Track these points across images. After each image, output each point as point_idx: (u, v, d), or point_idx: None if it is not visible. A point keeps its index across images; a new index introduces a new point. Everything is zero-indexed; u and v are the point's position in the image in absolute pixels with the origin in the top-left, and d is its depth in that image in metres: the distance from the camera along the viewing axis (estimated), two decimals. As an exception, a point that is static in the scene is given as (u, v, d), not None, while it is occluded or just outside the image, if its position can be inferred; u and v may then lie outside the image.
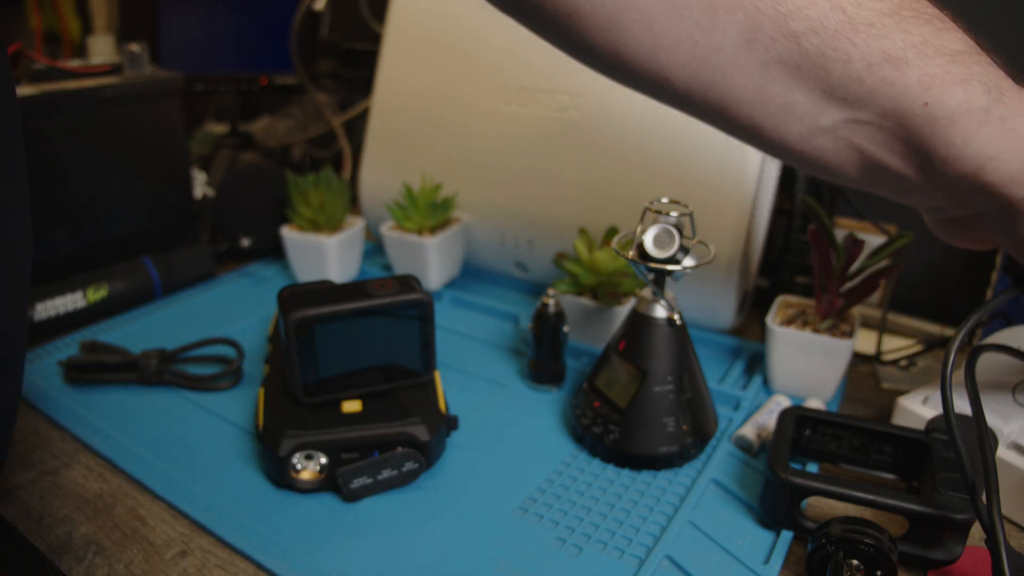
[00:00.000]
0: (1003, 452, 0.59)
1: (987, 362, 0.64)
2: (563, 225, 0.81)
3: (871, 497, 0.51)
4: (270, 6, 1.22)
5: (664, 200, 0.58)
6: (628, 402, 0.59)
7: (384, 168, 0.93)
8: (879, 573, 0.48)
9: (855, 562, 0.48)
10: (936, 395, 0.65)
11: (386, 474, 0.56)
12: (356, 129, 1.23)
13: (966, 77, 0.41)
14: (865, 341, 0.80)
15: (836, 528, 0.49)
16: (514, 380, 0.72)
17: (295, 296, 0.57)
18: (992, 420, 0.61)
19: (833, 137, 0.44)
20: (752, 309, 0.86)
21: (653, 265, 0.56)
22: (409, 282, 0.59)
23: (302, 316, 0.55)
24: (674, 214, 0.56)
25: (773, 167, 0.77)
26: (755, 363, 0.76)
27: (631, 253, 0.57)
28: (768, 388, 0.71)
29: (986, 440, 0.49)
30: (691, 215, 0.57)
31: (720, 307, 0.77)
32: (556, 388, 0.70)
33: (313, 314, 0.56)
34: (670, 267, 0.56)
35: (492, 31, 0.85)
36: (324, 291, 0.58)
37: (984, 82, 0.41)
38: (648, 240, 0.56)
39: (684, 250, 0.57)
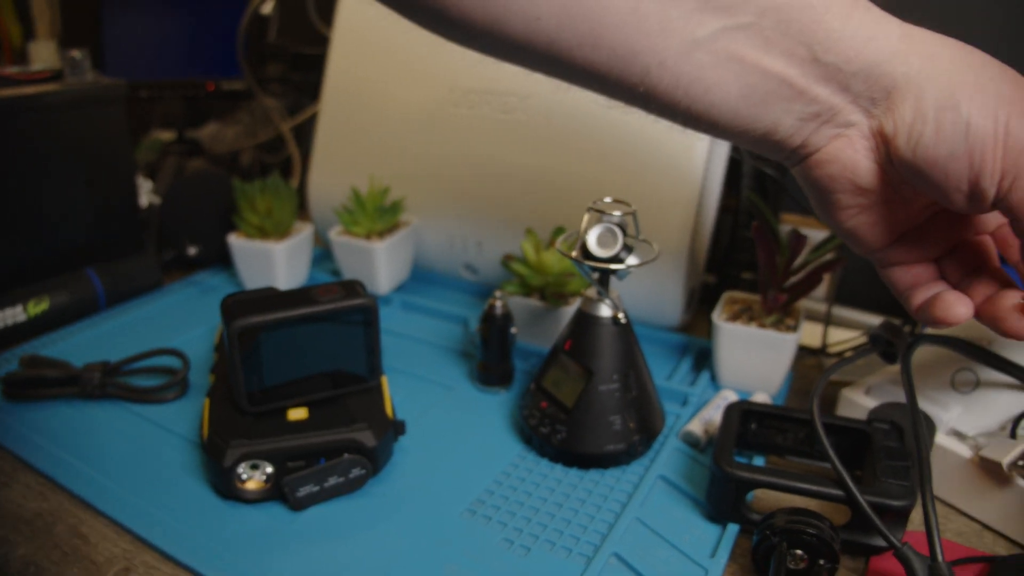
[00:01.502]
0: (942, 439, 0.60)
1: (928, 352, 0.66)
2: (512, 226, 0.81)
3: (812, 488, 0.52)
4: (216, 10, 1.21)
5: (607, 200, 0.58)
6: (574, 402, 0.59)
7: (332, 172, 0.92)
8: (822, 562, 0.49)
9: (799, 552, 0.49)
10: (878, 385, 0.66)
11: (333, 481, 0.56)
12: (306, 134, 1.22)
13: None
14: (811, 334, 0.81)
15: (780, 519, 0.49)
16: (463, 382, 0.72)
17: (238, 304, 0.57)
18: (930, 408, 0.62)
19: (711, 50, 0.44)
20: (701, 306, 0.87)
21: (596, 264, 0.56)
22: (354, 287, 0.59)
23: (245, 324, 0.55)
24: (617, 213, 0.56)
25: (719, 165, 0.77)
26: (703, 359, 0.77)
27: (574, 253, 0.58)
28: (716, 383, 0.72)
29: (921, 428, 0.50)
30: (634, 214, 0.57)
31: (668, 304, 0.77)
32: (505, 389, 0.70)
33: (256, 322, 0.55)
34: (613, 266, 0.56)
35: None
36: (268, 298, 0.58)
37: None
38: (591, 240, 0.56)
39: (628, 249, 0.57)
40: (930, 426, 0.59)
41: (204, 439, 0.57)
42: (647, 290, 0.76)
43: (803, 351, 0.80)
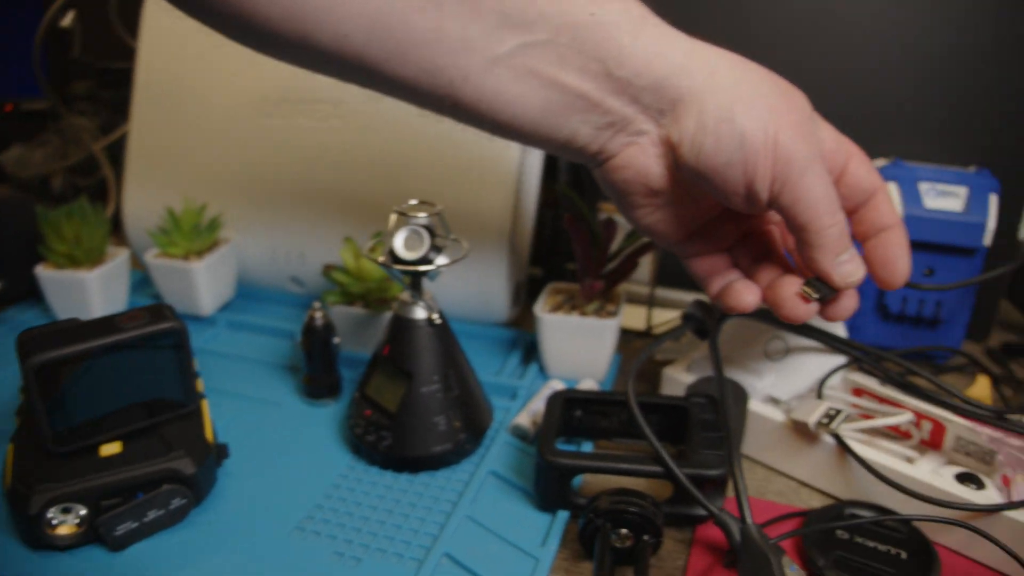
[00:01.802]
0: (758, 405, 0.62)
1: (742, 325, 0.68)
2: (333, 235, 0.80)
3: (633, 467, 0.53)
4: (9, 26, 1.14)
5: (412, 202, 0.58)
6: (397, 407, 0.59)
7: (147, 192, 0.89)
8: (647, 537, 0.50)
9: (623, 531, 0.50)
10: (698, 361, 0.69)
11: (152, 515, 0.54)
12: (121, 154, 1.17)
13: None
14: (638, 317, 0.83)
15: (603, 502, 0.51)
16: (291, 398, 0.71)
17: (35, 339, 0.54)
18: (746, 378, 0.65)
19: (511, 66, 0.46)
20: (529, 299, 0.88)
21: (405, 267, 0.56)
22: (161, 311, 0.57)
23: (42, 360, 0.52)
24: (422, 215, 0.56)
25: (535, 160, 0.78)
26: (532, 352, 0.78)
27: (382, 258, 0.57)
28: (544, 374, 0.73)
29: (726, 400, 0.52)
30: (440, 214, 0.57)
31: (494, 300, 0.78)
32: (334, 401, 0.69)
33: (54, 356, 0.52)
34: (422, 268, 0.56)
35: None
36: (68, 330, 0.55)
37: (634, 2, 0.47)
38: (397, 243, 0.56)
39: (437, 249, 0.57)
40: (742, 395, 0.61)
41: (7, 487, 0.54)
42: (472, 288, 0.77)
43: (630, 334, 0.82)
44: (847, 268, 0.52)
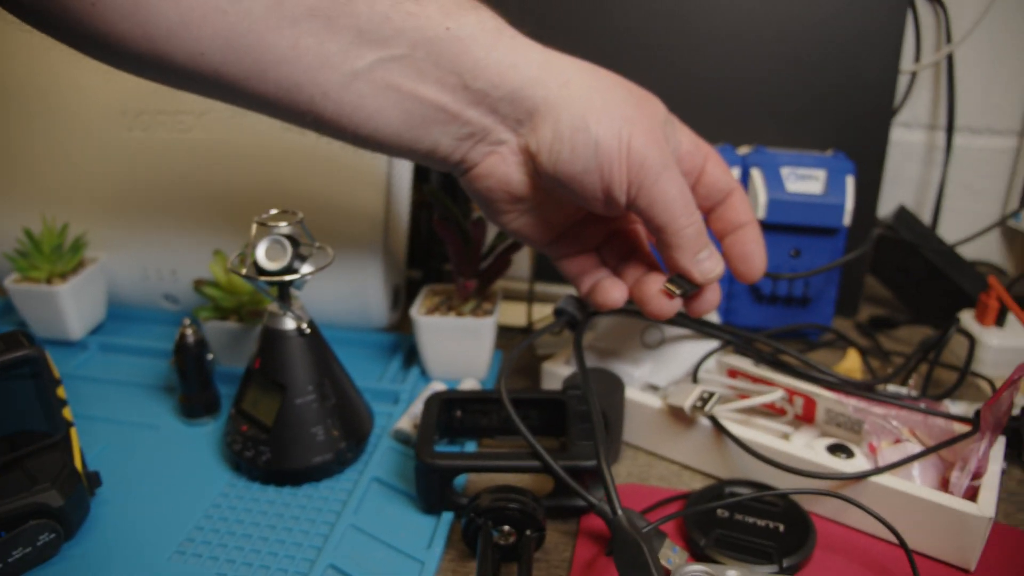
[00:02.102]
0: (636, 393, 0.63)
1: (617, 317, 0.69)
2: (205, 249, 0.77)
3: (512, 463, 0.54)
4: None
5: (273, 212, 0.57)
6: (273, 420, 0.58)
7: (2, 213, 0.85)
8: (529, 532, 0.50)
9: (505, 527, 0.51)
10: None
11: (18, 554, 0.51)
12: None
13: (475, 7, 0.48)
14: (519, 313, 0.84)
15: (484, 500, 0.51)
16: (167, 419, 0.68)
17: None
18: (624, 367, 0.66)
19: (370, 81, 0.47)
20: (409, 302, 0.87)
21: (268, 278, 0.55)
22: (15, 338, 0.54)
23: None
24: (283, 224, 0.55)
25: (404, 163, 0.78)
26: (413, 356, 0.77)
27: (244, 271, 0.56)
28: (426, 377, 0.73)
29: (590, 393, 0.54)
30: (302, 222, 0.56)
31: (372, 306, 0.77)
32: (212, 419, 0.67)
33: None
34: (287, 278, 0.55)
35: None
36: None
37: (489, 15, 0.49)
38: (260, 254, 0.55)
39: (301, 258, 0.56)
40: (618, 384, 0.62)
41: None
42: (349, 294, 0.76)
43: (513, 331, 0.82)
44: (706, 265, 0.55)
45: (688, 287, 0.56)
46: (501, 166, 0.52)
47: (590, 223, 0.59)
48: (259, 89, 0.46)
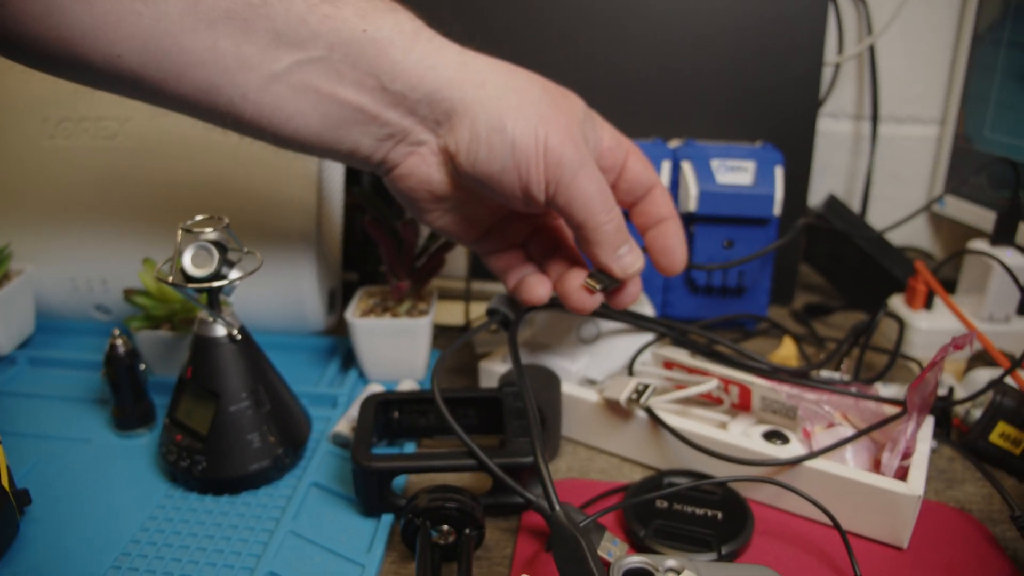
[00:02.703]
0: (573, 388, 0.64)
1: (553, 313, 0.70)
2: (134, 258, 0.76)
3: (448, 463, 0.53)
4: None
5: (198, 218, 0.56)
6: (207, 428, 0.57)
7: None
8: (468, 531, 0.50)
9: (444, 527, 0.50)
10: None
11: (-58, 576, 0.50)
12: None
13: (392, 9, 0.48)
14: (456, 312, 0.84)
15: (421, 500, 0.50)
16: (101, 432, 0.67)
17: None
18: (561, 362, 0.66)
19: (289, 83, 0.47)
20: (347, 305, 0.87)
21: (196, 285, 0.54)
22: (-65, 355, 0.53)
23: None
24: (209, 230, 0.55)
25: (337, 165, 0.77)
26: (351, 359, 0.77)
27: (171, 278, 0.55)
28: (364, 380, 0.72)
29: (526, 390, 0.54)
30: (228, 227, 0.56)
31: (308, 310, 0.76)
32: (148, 430, 0.66)
33: None
34: (215, 284, 0.54)
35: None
36: None
37: (407, 17, 0.49)
38: (186, 261, 0.54)
39: (229, 263, 0.55)
40: (554, 379, 0.62)
41: None
42: (284, 298, 0.75)
43: (451, 330, 0.82)
44: (626, 260, 0.56)
45: (609, 282, 0.57)
46: (422, 166, 0.53)
47: (514, 220, 0.60)
48: (178, 91, 0.46)
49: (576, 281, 0.57)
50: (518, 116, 0.50)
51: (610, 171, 0.58)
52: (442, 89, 0.50)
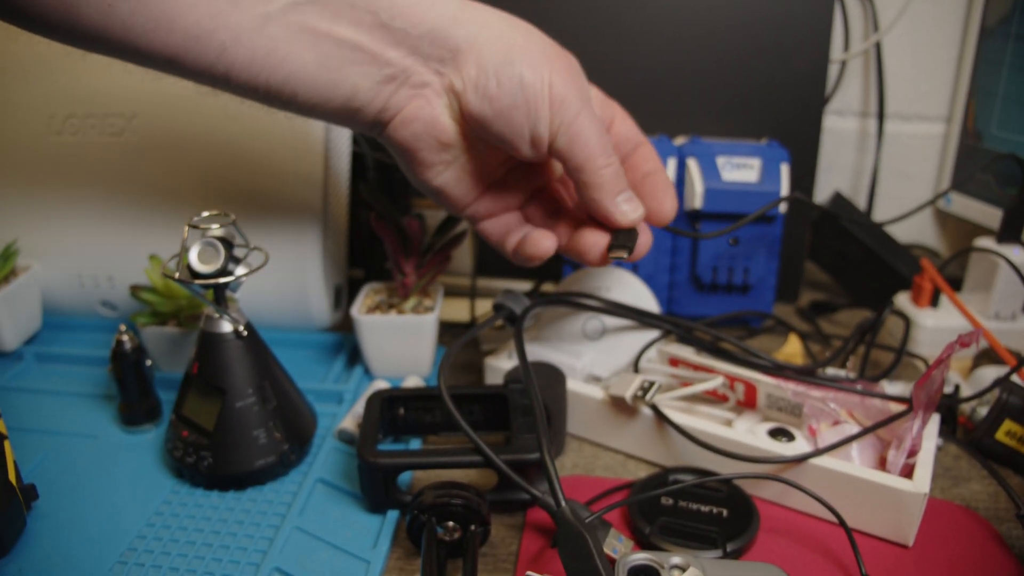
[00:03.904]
0: (578, 385, 0.64)
1: (558, 309, 0.70)
2: (141, 254, 0.76)
3: (454, 459, 0.53)
4: None
5: (204, 214, 0.56)
6: (213, 424, 0.57)
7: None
8: (473, 527, 0.50)
9: (450, 523, 0.50)
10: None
11: (-51, 572, 0.50)
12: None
13: None
14: (461, 309, 0.84)
15: (427, 496, 0.50)
16: (108, 428, 0.67)
17: None
18: (566, 359, 0.66)
19: (283, 23, 0.47)
20: (353, 301, 0.87)
21: (203, 282, 0.55)
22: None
23: None
24: (215, 226, 0.55)
25: (342, 161, 0.77)
26: (356, 355, 0.77)
27: (178, 275, 0.55)
28: (370, 376, 0.72)
29: (532, 384, 0.53)
30: (235, 223, 0.56)
31: (314, 306, 0.76)
32: (154, 426, 0.66)
33: None
34: (222, 280, 0.55)
35: (23, 57, 0.78)
36: None
37: None
38: (192, 258, 0.54)
39: (235, 260, 0.55)
40: (559, 376, 0.62)
41: None
42: (290, 295, 0.75)
43: (456, 327, 0.82)
44: (626, 207, 0.55)
45: (627, 242, 0.56)
46: (427, 108, 0.52)
47: (515, 179, 0.60)
48: (168, 40, 0.46)
49: (590, 238, 0.57)
50: (524, 53, 0.50)
51: None
52: (446, 27, 0.49)
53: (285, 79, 0.48)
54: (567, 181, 0.62)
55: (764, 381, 0.61)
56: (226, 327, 0.57)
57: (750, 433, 0.58)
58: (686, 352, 0.67)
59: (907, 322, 0.70)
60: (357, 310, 0.70)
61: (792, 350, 0.76)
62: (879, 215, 1.05)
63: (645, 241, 0.58)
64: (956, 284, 0.81)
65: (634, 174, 0.60)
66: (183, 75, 0.49)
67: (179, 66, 0.48)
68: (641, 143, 0.61)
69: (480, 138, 0.54)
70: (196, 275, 0.55)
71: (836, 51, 0.98)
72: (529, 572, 0.47)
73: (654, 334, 0.69)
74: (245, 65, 0.47)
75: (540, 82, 0.50)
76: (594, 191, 0.54)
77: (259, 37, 0.46)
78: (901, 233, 1.03)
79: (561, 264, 0.82)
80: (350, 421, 0.63)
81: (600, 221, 0.57)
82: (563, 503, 0.47)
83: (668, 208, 0.59)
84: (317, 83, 0.49)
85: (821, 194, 1.00)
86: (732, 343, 0.65)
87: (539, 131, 0.51)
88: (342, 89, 0.50)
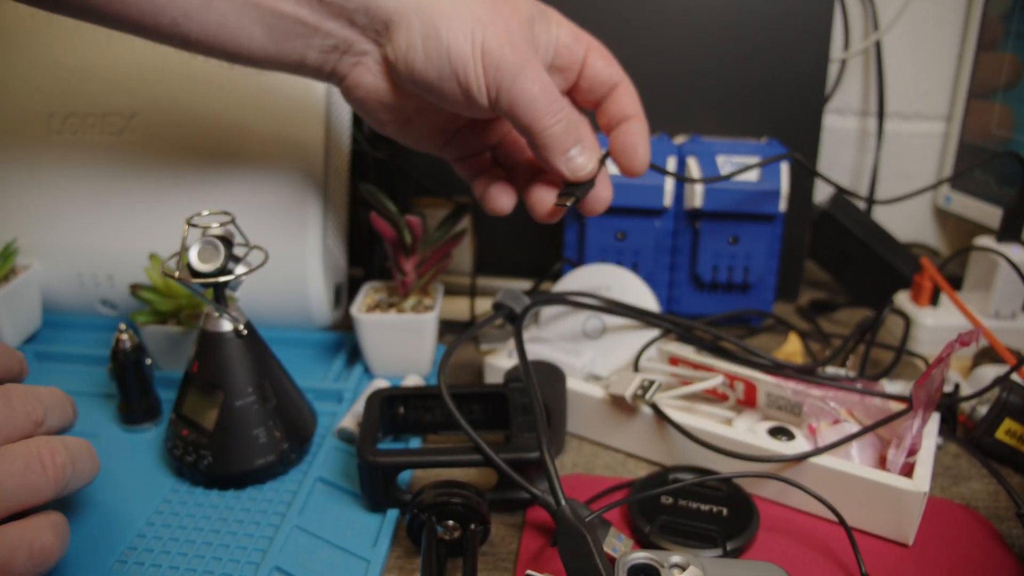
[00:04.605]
0: (578, 384, 0.64)
1: (558, 308, 0.70)
2: (141, 253, 0.76)
3: (454, 458, 0.54)
4: None
5: (204, 213, 0.56)
6: (213, 423, 0.57)
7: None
8: (473, 526, 0.50)
9: (450, 522, 0.50)
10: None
11: (-51, 570, 0.50)
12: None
13: None
14: (461, 308, 0.84)
15: (427, 496, 0.50)
16: (108, 427, 0.67)
17: None
18: (566, 358, 0.66)
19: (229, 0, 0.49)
20: (353, 300, 0.87)
21: (203, 281, 0.54)
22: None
23: None
24: (215, 225, 0.55)
25: (342, 160, 0.77)
26: (356, 354, 0.77)
27: (178, 273, 0.55)
28: (370, 375, 0.72)
29: (532, 383, 0.53)
30: (235, 222, 0.56)
31: (313, 305, 0.76)
32: (154, 425, 0.66)
33: None
34: (221, 279, 0.54)
35: (23, 56, 0.78)
36: None
37: None
38: (192, 256, 0.54)
39: (235, 259, 0.55)
40: (559, 375, 0.62)
41: None
42: (290, 294, 0.75)
43: (456, 326, 0.82)
44: (577, 162, 0.54)
45: (577, 192, 0.55)
46: (367, 76, 0.54)
47: (477, 127, 0.60)
48: (123, 12, 0.48)
49: (540, 192, 0.57)
50: (452, 20, 0.50)
51: (568, 69, 0.57)
52: None
53: (238, 48, 0.51)
54: None
55: (764, 380, 0.61)
56: (226, 326, 0.57)
57: (750, 432, 0.58)
58: (686, 351, 0.67)
59: (907, 321, 0.70)
60: (357, 309, 0.70)
61: (792, 349, 0.76)
62: (879, 214, 1.05)
63: (604, 196, 0.57)
64: (956, 283, 0.81)
65: (608, 120, 0.59)
66: (150, 39, 0.51)
67: (143, 33, 0.51)
68: (618, 83, 0.58)
69: (423, 98, 0.55)
70: (196, 274, 0.55)
71: (836, 50, 0.98)
72: (529, 571, 0.47)
73: (654, 333, 0.69)
74: (200, 37, 0.50)
75: (469, 48, 0.50)
76: (543, 150, 0.53)
77: (207, 13, 0.49)
78: (901, 232, 1.03)
79: (561, 263, 0.82)
80: (350, 420, 0.63)
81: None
82: (563, 502, 0.47)
83: (639, 162, 0.58)
84: (268, 52, 0.52)
85: (821, 193, 1.00)
86: (731, 341, 0.65)
87: (474, 96, 0.51)
88: (291, 57, 0.53)
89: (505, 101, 0.51)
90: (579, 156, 0.54)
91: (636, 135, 0.58)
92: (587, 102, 0.59)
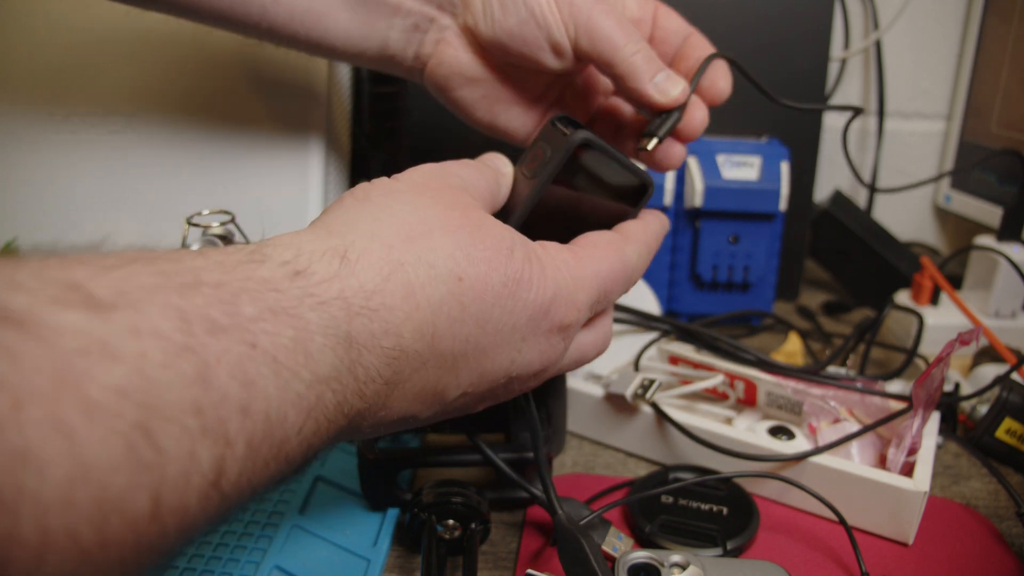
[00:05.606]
0: (578, 383, 0.64)
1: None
2: (141, 252, 0.76)
3: (454, 457, 0.53)
4: None
5: (205, 212, 0.57)
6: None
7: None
8: (473, 525, 0.50)
9: (450, 522, 0.50)
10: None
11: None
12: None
13: None
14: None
15: (427, 495, 0.50)
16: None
17: None
18: (567, 358, 0.66)
19: None
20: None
21: (203, 279, 0.54)
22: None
23: None
24: (216, 224, 0.55)
25: (342, 162, 0.77)
26: (358, 353, 0.77)
27: (178, 271, 0.55)
28: (370, 374, 0.72)
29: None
30: (234, 221, 0.56)
31: (314, 305, 0.76)
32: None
33: None
34: (222, 277, 0.54)
35: (25, 56, 0.78)
36: None
37: None
38: (192, 255, 0.54)
39: (235, 258, 0.55)
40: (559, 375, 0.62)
41: None
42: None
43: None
44: (665, 85, 0.52)
45: (659, 127, 0.53)
46: (450, 50, 0.55)
47: (568, 101, 0.59)
48: (215, 5, 0.51)
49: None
50: None
51: (641, 21, 0.57)
52: None
53: (322, 34, 0.53)
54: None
55: (764, 379, 0.61)
56: (226, 325, 0.57)
57: (750, 431, 0.58)
58: (686, 350, 0.67)
59: (920, 321, 0.70)
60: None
61: (792, 348, 0.76)
62: (879, 213, 1.05)
63: (700, 116, 0.55)
64: (956, 282, 0.81)
65: (688, 63, 0.58)
66: (235, 31, 0.54)
67: (230, 24, 0.53)
68: (691, 34, 0.59)
69: (511, 64, 0.55)
70: (195, 273, 0.55)
71: (836, 49, 0.98)
72: (529, 570, 0.47)
73: (653, 334, 0.69)
74: (285, 23, 0.52)
75: None
76: (629, 80, 0.52)
77: None
78: (901, 231, 1.03)
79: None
80: (350, 419, 0.63)
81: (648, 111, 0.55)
82: (559, 511, 0.46)
83: (722, 86, 0.57)
84: (352, 36, 0.53)
85: (821, 192, 1.00)
86: (727, 342, 0.65)
87: (556, 38, 0.51)
88: (374, 40, 0.54)
89: (585, 38, 0.51)
90: (665, 81, 0.53)
91: (718, 68, 0.57)
92: (663, 54, 0.58)
